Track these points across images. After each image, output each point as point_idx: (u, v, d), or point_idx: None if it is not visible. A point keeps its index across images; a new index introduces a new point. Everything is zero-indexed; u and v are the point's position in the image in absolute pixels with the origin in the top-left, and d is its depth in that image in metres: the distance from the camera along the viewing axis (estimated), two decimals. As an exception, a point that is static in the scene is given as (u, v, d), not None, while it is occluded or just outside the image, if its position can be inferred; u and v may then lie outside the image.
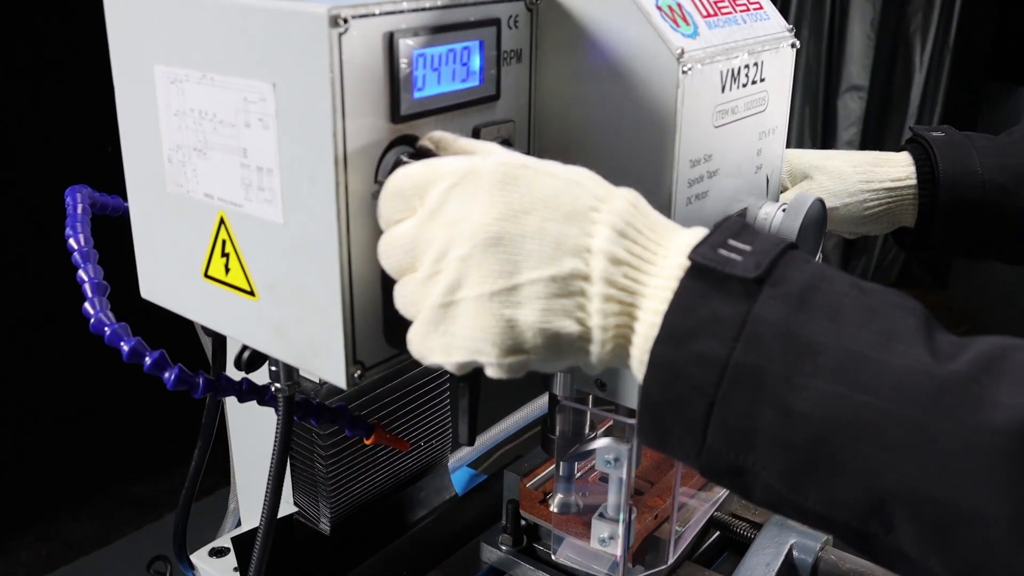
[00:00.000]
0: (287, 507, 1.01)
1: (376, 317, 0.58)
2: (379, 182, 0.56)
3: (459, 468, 1.34)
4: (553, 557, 0.85)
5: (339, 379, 0.58)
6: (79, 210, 0.77)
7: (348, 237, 0.55)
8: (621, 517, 0.75)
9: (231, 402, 1.08)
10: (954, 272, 4.24)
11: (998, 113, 4.41)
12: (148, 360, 0.67)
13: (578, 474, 0.85)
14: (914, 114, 4.10)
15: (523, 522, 0.91)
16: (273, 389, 0.69)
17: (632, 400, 0.66)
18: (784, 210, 0.74)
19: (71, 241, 0.74)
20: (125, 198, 0.72)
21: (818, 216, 0.74)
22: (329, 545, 0.99)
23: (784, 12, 4.03)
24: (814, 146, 4.29)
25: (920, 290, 4.26)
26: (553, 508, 0.85)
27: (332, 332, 0.57)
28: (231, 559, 1.06)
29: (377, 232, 0.56)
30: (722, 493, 0.90)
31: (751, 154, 0.72)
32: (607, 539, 0.75)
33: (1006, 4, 4.05)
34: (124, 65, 0.65)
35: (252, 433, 1.08)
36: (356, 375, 0.58)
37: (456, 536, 0.98)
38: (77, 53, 2.20)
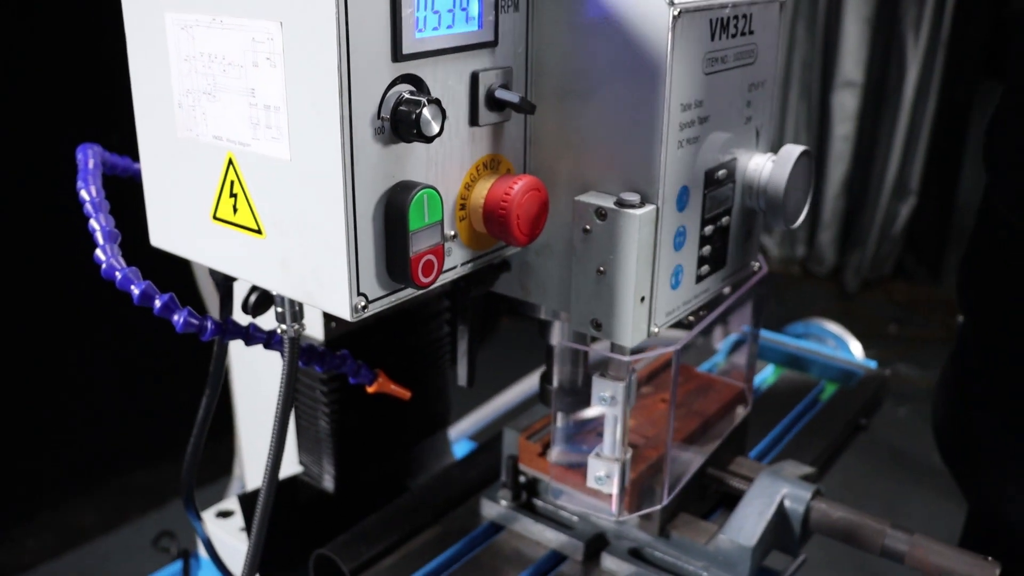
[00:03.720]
0: (292, 467, 1.04)
1: (379, 251, 0.60)
2: (382, 118, 0.58)
3: (459, 440, 1.36)
4: (554, 501, 0.87)
5: (343, 310, 0.60)
6: (90, 165, 0.80)
7: (352, 171, 0.57)
8: (617, 454, 0.77)
9: (237, 367, 1.11)
10: (948, 265, 4.27)
11: (991, 109, 4.43)
12: (158, 303, 0.69)
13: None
14: (908, 109, 4.12)
15: (522, 478, 0.93)
16: (279, 331, 0.71)
17: (626, 338, 0.68)
18: (773, 161, 0.76)
19: (82, 192, 0.76)
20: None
21: (805, 167, 0.76)
22: (333, 502, 1.01)
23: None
24: (809, 142, 4.32)
25: (914, 283, 4.28)
26: (551, 459, 0.87)
27: (336, 264, 0.59)
28: (236, 520, 1.09)
29: (380, 165, 0.59)
30: (713, 445, 0.92)
31: (741, 105, 0.74)
32: (603, 477, 0.77)
33: (1000, 1, 4.07)
34: (135, 16, 0.68)
35: (257, 397, 1.10)
36: (360, 306, 0.60)
37: (457, 494, 1.00)
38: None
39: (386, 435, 1.03)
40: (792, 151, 0.75)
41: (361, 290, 0.60)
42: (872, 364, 1.32)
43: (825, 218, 4.40)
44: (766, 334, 1.35)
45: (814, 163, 0.77)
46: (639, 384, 0.99)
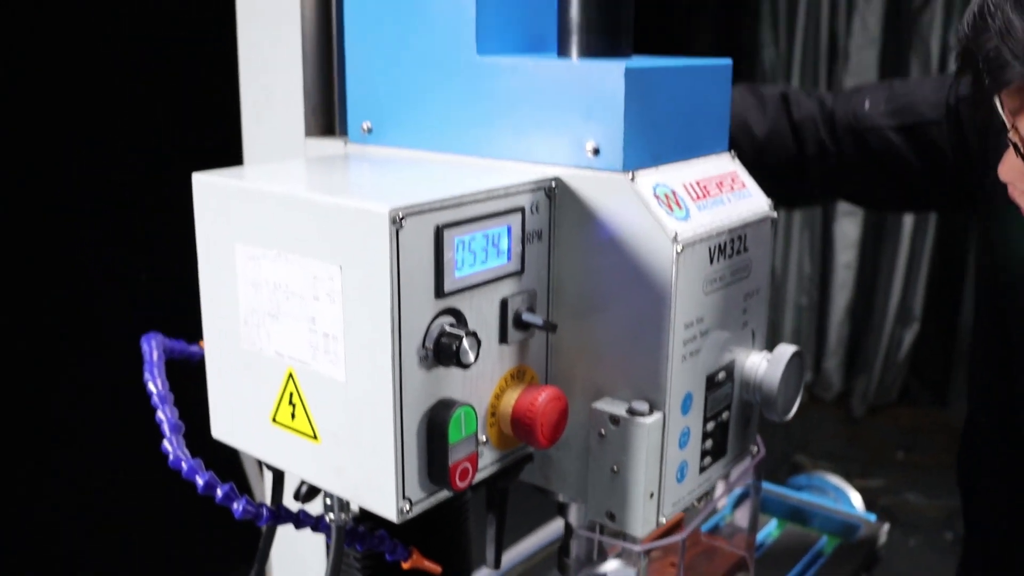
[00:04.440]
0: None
1: (421, 460, 0.69)
2: (426, 348, 0.67)
3: (477, 588, 1.42)
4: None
5: (391, 513, 0.68)
6: (155, 356, 0.89)
7: (400, 393, 0.67)
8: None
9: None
10: (953, 389, 4.33)
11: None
12: (219, 492, 0.77)
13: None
14: (908, 237, 4.25)
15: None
16: (328, 519, 0.79)
17: (637, 530, 0.76)
18: (768, 360, 0.85)
19: (150, 385, 0.85)
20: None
21: (796, 365, 0.85)
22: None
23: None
24: (813, 270, 4.43)
25: (920, 407, 4.34)
26: (568, 625, 0.94)
27: (385, 473, 0.68)
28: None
29: (424, 387, 0.68)
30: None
31: (737, 313, 0.84)
32: (617, 653, 0.84)
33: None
34: (208, 242, 0.78)
35: (290, 553, 1.17)
36: (405, 509, 0.68)
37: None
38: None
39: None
40: (785, 352, 0.84)
41: (406, 495, 0.68)
42: (871, 517, 1.38)
43: (831, 344, 4.49)
44: (769, 487, 1.42)
45: (805, 361, 0.86)
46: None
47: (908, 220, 4.24)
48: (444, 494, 0.71)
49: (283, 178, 0.77)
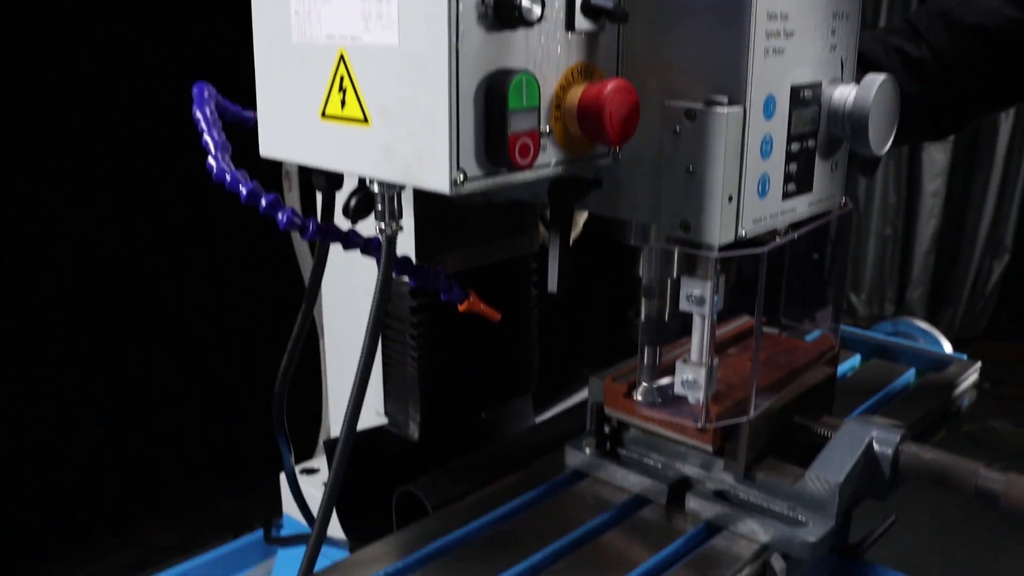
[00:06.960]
0: (378, 419, 1.06)
1: (479, 132, 0.63)
2: (485, 3, 0.62)
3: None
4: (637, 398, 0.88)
5: (443, 185, 0.63)
6: (205, 95, 0.85)
7: (457, 52, 0.61)
8: (704, 359, 0.77)
9: (329, 322, 1.14)
10: (1043, 324, 4.15)
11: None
12: (263, 202, 0.73)
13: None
14: (1000, 164, 4.07)
15: (607, 429, 0.94)
16: (378, 231, 0.74)
17: (714, 236, 0.70)
18: (857, 88, 0.77)
19: (197, 113, 0.81)
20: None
21: (890, 93, 0.77)
22: (417, 452, 1.03)
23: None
24: (899, 199, 4.28)
25: (1008, 341, 4.17)
26: (637, 397, 0.88)
27: (438, 140, 0.62)
28: (321, 476, 1.12)
29: (483, 50, 0.62)
30: (802, 385, 0.92)
31: (825, 30, 0.76)
32: (690, 381, 0.78)
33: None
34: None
35: (346, 350, 1.13)
36: (459, 180, 0.63)
37: (542, 447, 1.01)
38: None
39: (471, 387, 1.05)
40: (876, 77, 0.77)
41: (460, 166, 0.63)
42: (963, 356, 1.30)
43: (915, 275, 4.33)
44: (853, 330, 1.34)
45: (899, 93, 0.79)
46: (725, 345, 1.00)
47: (1001, 146, 4.06)
48: (503, 177, 0.66)
49: None
